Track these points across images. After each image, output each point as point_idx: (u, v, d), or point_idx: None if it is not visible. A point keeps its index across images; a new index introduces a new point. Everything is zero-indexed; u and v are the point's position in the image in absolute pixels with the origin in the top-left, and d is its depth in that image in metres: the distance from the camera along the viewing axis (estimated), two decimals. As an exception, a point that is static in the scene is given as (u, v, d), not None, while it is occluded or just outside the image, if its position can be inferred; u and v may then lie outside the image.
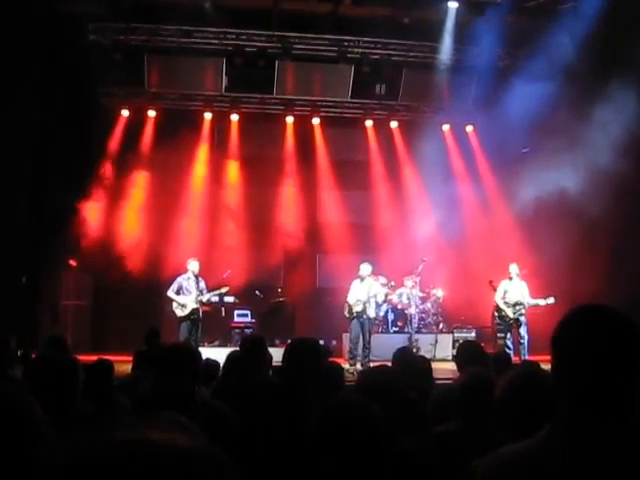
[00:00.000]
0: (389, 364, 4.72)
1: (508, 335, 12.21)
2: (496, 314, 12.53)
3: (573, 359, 1.62)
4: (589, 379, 1.59)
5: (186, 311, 11.82)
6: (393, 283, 13.99)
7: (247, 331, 13.69)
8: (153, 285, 14.70)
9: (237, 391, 3.93)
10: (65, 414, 3.22)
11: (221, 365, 5.52)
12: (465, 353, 5.10)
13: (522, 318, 12.04)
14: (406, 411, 3.05)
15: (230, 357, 5.18)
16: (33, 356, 5.12)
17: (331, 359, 5.84)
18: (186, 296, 11.87)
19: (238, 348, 5.45)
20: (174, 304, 11.91)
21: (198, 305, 11.87)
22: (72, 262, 15.34)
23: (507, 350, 11.21)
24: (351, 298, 12.15)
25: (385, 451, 1.77)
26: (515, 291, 12.16)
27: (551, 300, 11.76)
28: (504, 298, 12.20)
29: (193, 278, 11.96)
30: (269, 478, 2.70)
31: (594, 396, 1.58)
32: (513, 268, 12.26)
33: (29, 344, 9.35)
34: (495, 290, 12.44)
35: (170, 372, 2.90)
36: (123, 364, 8.45)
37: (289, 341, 4.07)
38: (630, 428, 1.56)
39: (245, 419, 3.33)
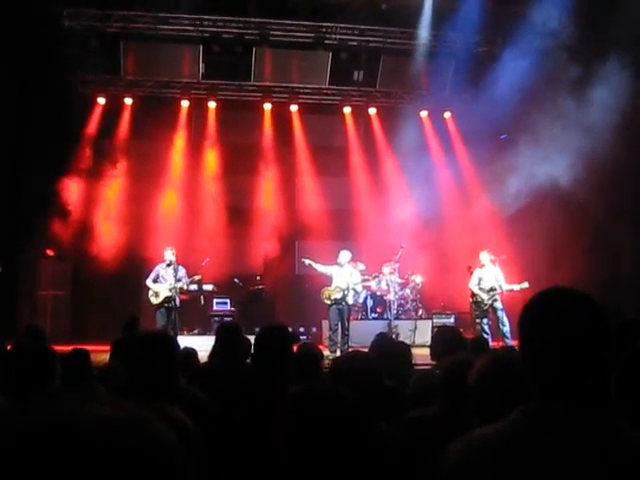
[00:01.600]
0: (365, 350, 4.74)
1: (484, 320, 12.28)
2: (471, 300, 12.59)
3: (538, 343, 1.63)
4: (555, 362, 1.59)
5: (159, 299, 11.93)
6: (375, 274, 14.04)
7: (226, 319, 13.66)
8: (132, 274, 14.63)
9: (213, 378, 3.92)
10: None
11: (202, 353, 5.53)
12: (441, 340, 5.10)
13: (497, 303, 12.11)
14: (380, 396, 3.05)
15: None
16: (8, 347, 5.08)
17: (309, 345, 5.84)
18: (161, 284, 11.92)
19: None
20: (150, 292, 12.02)
21: (172, 293, 11.89)
22: (50, 251, 15.20)
23: (484, 335, 11.27)
24: (322, 268, 12.30)
25: (358, 436, 1.77)
26: (489, 277, 12.21)
27: (525, 285, 11.80)
28: (479, 285, 12.28)
29: (171, 266, 11.99)
30: (246, 464, 2.70)
31: (561, 379, 1.58)
32: (484, 256, 12.32)
33: (6, 334, 9.28)
34: (473, 276, 12.52)
35: (144, 360, 2.88)
36: (102, 354, 8.41)
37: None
38: (601, 411, 1.57)
39: (221, 405, 3.33)
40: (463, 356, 3.47)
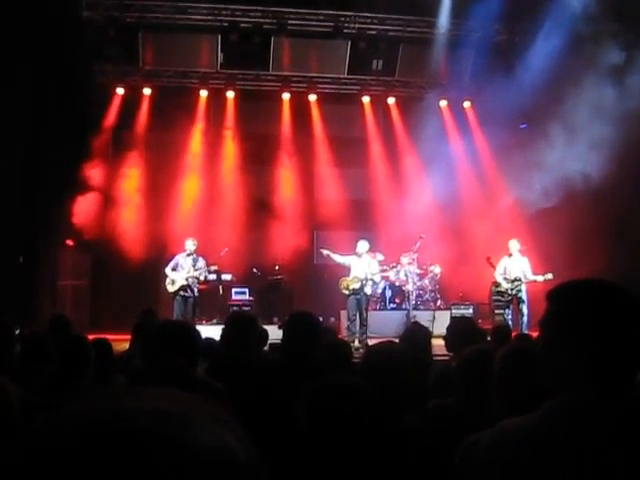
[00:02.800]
0: (393, 340, 4.71)
1: (507, 311, 12.20)
2: (494, 289, 12.51)
3: (578, 334, 1.60)
4: (596, 356, 1.57)
5: (175, 287, 12.08)
6: (394, 264, 13.99)
7: (245, 309, 13.69)
8: (151, 264, 14.67)
9: (227, 368, 3.91)
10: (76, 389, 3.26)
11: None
12: (456, 332, 5.06)
13: (521, 294, 11.98)
14: (410, 389, 3.03)
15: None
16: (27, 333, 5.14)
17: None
18: (178, 272, 12.04)
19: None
20: (167, 280, 12.16)
21: (189, 282, 11.99)
22: (69, 242, 15.29)
23: (506, 325, 11.19)
24: (339, 259, 12.30)
25: (373, 430, 1.74)
26: (516, 267, 12.10)
27: (549, 276, 11.68)
28: (504, 274, 12.17)
29: (191, 256, 12.10)
30: (265, 456, 2.68)
31: (600, 369, 1.57)
32: (513, 244, 12.20)
33: (27, 324, 9.35)
34: (493, 267, 12.40)
35: (163, 348, 2.87)
36: (121, 342, 8.44)
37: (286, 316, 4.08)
38: (633, 400, 1.55)
39: (240, 396, 3.32)
40: (481, 346, 3.43)
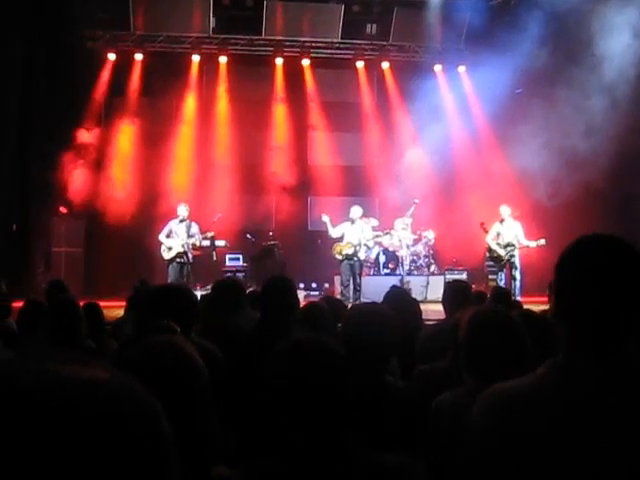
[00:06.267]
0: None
1: (501, 276, 12.24)
2: (488, 255, 12.52)
3: (582, 291, 1.56)
4: (599, 312, 1.54)
5: (172, 253, 12.07)
6: (387, 230, 13.99)
7: (239, 275, 13.70)
8: (145, 231, 14.66)
9: (216, 331, 3.93)
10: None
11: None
12: (451, 293, 5.06)
13: (514, 260, 12.01)
14: (393, 349, 3.04)
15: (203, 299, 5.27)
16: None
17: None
18: (174, 239, 12.02)
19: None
20: (162, 247, 12.16)
21: (185, 249, 12.01)
22: (62, 209, 15.25)
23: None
24: (334, 232, 12.19)
25: (345, 390, 1.73)
26: (508, 233, 12.10)
27: (542, 242, 11.69)
28: (496, 239, 12.18)
29: (184, 222, 12.07)
30: (254, 414, 2.70)
31: (602, 330, 1.54)
32: (504, 210, 12.19)
33: (21, 291, 9.37)
34: (487, 232, 12.41)
35: (154, 313, 2.89)
36: (115, 309, 8.48)
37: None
38: (631, 361, 1.54)
39: (229, 358, 3.34)
40: (478, 308, 3.43)
